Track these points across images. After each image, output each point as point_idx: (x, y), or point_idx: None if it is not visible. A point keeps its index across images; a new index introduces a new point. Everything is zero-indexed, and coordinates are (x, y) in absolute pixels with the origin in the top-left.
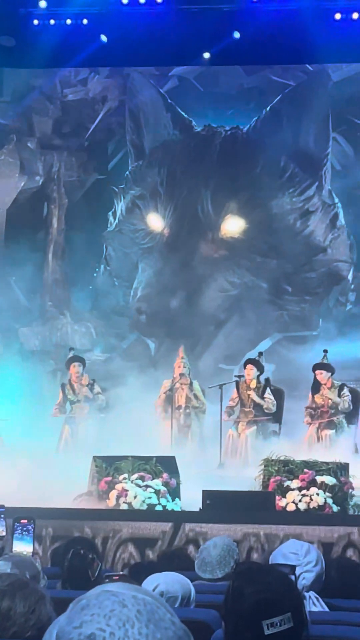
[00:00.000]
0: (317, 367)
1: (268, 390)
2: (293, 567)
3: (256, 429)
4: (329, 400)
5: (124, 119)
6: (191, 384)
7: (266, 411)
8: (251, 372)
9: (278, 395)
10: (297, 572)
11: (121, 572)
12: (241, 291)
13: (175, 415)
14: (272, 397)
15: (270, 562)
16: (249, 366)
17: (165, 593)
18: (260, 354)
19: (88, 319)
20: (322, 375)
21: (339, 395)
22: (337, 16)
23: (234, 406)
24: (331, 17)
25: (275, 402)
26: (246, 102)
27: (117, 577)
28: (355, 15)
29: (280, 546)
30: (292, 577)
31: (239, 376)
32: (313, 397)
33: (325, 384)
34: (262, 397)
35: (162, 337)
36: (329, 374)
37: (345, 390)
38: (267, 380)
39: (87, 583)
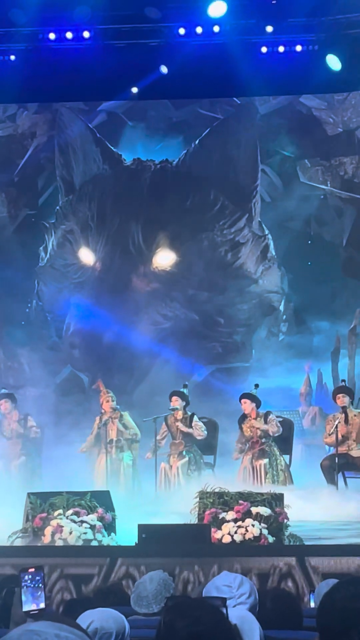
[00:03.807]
0: (242, 396)
1: (195, 417)
2: (224, 600)
3: (188, 460)
4: (257, 430)
5: (53, 154)
6: (121, 416)
7: (198, 438)
8: (176, 402)
9: (212, 427)
10: (231, 604)
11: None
12: (174, 324)
13: (108, 449)
14: (200, 423)
15: (203, 595)
16: (174, 398)
17: (100, 629)
18: (185, 385)
19: (21, 354)
20: (246, 405)
21: (266, 422)
22: (264, 49)
23: (162, 440)
24: (257, 51)
25: (204, 427)
26: (175, 136)
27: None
28: (281, 49)
29: (213, 579)
30: (224, 610)
31: (173, 409)
32: (241, 429)
33: (250, 414)
34: (190, 426)
35: (96, 371)
36: (254, 404)
37: (272, 415)
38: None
39: (22, 622)
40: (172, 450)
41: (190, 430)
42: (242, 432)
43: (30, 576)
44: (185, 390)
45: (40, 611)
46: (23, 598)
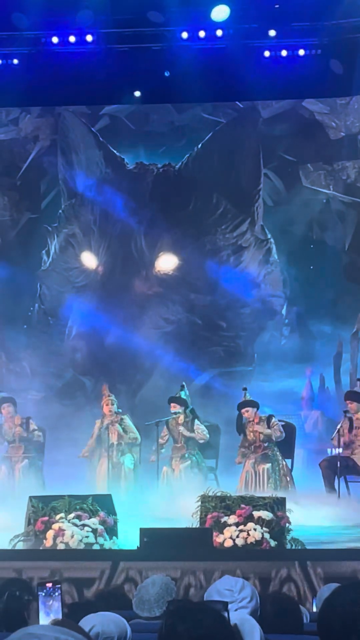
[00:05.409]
0: (241, 406)
1: (197, 421)
2: (225, 604)
3: (190, 463)
4: (260, 435)
5: (56, 157)
6: (122, 419)
7: (201, 441)
8: (176, 408)
9: (214, 431)
10: (233, 608)
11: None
12: (176, 327)
13: (109, 453)
14: (202, 426)
15: (205, 599)
16: (172, 404)
17: (101, 634)
18: (182, 386)
19: (23, 358)
20: (249, 413)
21: (269, 426)
22: (267, 54)
23: (163, 444)
24: (260, 55)
25: (206, 429)
26: (177, 140)
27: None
28: (284, 53)
29: (215, 583)
30: (225, 614)
31: (175, 413)
32: (244, 435)
33: (253, 420)
34: (192, 430)
35: (98, 375)
36: (254, 409)
37: (274, 420)
38: (192, 411)
39: (24, 625)
40: (174, 454)
41: (192, 434)
42: (245, 437)
43: (47, 590)
44: (182, 393)
45: None
46: (40, 614)
